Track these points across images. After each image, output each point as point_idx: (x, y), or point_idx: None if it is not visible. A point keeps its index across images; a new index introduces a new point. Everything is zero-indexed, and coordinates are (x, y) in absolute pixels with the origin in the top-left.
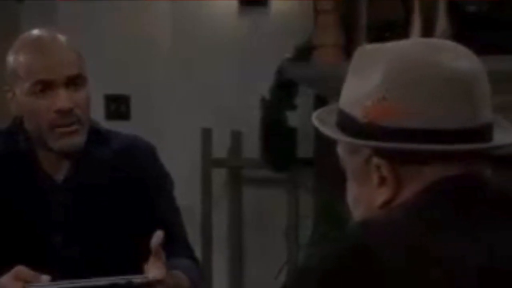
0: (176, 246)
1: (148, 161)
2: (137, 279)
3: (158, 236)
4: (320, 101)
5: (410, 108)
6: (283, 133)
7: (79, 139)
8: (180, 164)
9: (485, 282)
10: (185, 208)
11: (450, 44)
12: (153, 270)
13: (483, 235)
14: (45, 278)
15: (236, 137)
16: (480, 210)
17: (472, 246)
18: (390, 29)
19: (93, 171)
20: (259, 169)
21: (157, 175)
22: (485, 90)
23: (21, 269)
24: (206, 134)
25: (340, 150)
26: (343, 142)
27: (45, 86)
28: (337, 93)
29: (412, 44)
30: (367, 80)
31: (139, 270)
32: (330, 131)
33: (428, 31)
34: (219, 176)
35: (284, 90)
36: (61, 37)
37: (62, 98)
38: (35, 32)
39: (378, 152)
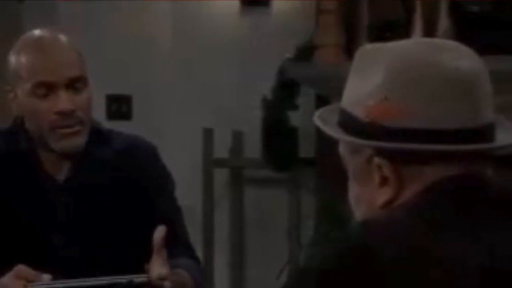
0: (177, 246)
1: (149, 161)
2: (138, 278)
3: (160, 231)
4: (322, 101)
5: (411, 108)
6: (284, 133)
7: (80, 140)
8: (181, 164)
9: (485, 282)
10: (186, 208)
11: (452, 44)
12: (156, 268)
13: (484, 235)
14: (46, 277)
15: (238, 137)
16: (481, 210)
17: (473, 246)
18: (391, 29)
19: (94, 171)
20: (261, 169)
21: (158, 175)
22: (487, 90)
23: (22, 268)
24: (208, 134)
25: (342, 149)
26: (344, 141)
27: (46, 88)
28: (338, 93)
29: (414, 44)
30: (368, 80)
31: (140, 270)
32: (332, 131)
33: (429, 31)
34: (221, 176)
35: (285, 90)
36: (63, 38)
37: (63, 100)
38: (37, 32)
39: (379, 152)
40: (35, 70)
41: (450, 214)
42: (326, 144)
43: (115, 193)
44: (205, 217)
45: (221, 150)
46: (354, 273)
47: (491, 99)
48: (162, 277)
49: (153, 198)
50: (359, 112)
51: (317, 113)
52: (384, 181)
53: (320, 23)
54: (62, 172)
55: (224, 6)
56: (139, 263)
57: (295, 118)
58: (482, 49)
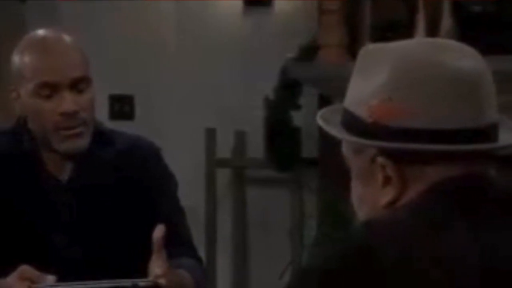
0: (180, 246)
1: (152, 162)
2: (143, 282)
3: (159, 230)
4: (324, 101)
5: (414, 108)
6: (287, 133)
7: (83, 142)
8: (184, 164)
9: (486, 282)
10: (189, 208)
11: (455, 44)
12: (155, 268)
13: (486, 235)
14: (51, 278)
15: (240, 137)
16: (484, 210)
17: (475, 246)
18: (394, 29)
19: (97, 171)
20: (263, 169)
21: (161, 175)
22: (490, 90)
23: (26, 269)
24: (210, 134)
25: (345, 149)
26: (347, 141)
27: (50, 88)
28: (341, 93)
29: (417, 44)
30: (371, 80)
31: (142, 271)
32: (335, 131)
33: (432, 31)
34: (223, 176)
35: (288, 90)
36: (67, 38)
37: (67, 101)
38: (41, 32)
39: (383, 152)
40: (39, 70)
41: (453, 214)
42: (329, 144)
43: (117, 193)
44: (208, 217)
45: (224, 150)
46: (357, 273)
47: (494, 99)
48: (158, 276)
49: (156, 198)
50: (362, 112)
51: (320, 113)
52: (387, 181)
53: (323, 23)
54: (65, 173)
55: (227, 6)
56: (142, 264)
57: (297, 118)
58: (485, 49)
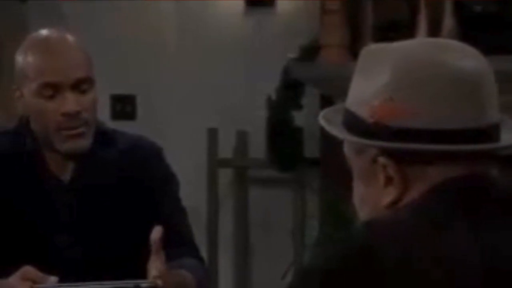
0: (182, 246)
1: (154, 162)
2: (145, 283)
3: (157, 231)
4: (326, 101)
5: (416, 108)
6: (289, 133)
7: (85, 142)
8: (186, 164)
9: (487, 282)
10: (190, 208)
11: (457, 44)
12: (152, 270)
13: (487, 235)
14: (53, 279)
15: (242, 137)
16: (485, 210)
17: (476, 247)
18: (396, 29)
19: (99, 172)
20: (265, 169)
21: (162, 175)
22: (491, 90)
23: (28, 270)
24: (212, 134)
25: (347, 150)
26: (349, 141)
27: (52, 88)
28: (343, 93)
29: (418, 44)
30: (373, 80)
31: (144, 271)
32: (337, 131)
33: (434, 31)
34: (225, 176)
35: (290, 90)
36: (70, 38)
37: (69, 101)
38: (44, 32)
39: (384, 152)
40: (42, 71)
41: (454, 215)
42: (331, 144)
43: (119, 193)
44: (210, 217)
45: (226, 150)
46: (358, 274)
47: (496, 99)
48: (155, 277)
49: (158, 198)
50: (363, 112)
51: (322, 113)
52: (388, 181)
53: (325, 23)
54: (66, 173)
55: (228, 6)
56: (143, 264)
57: (299, 118)
58: (487, 49)
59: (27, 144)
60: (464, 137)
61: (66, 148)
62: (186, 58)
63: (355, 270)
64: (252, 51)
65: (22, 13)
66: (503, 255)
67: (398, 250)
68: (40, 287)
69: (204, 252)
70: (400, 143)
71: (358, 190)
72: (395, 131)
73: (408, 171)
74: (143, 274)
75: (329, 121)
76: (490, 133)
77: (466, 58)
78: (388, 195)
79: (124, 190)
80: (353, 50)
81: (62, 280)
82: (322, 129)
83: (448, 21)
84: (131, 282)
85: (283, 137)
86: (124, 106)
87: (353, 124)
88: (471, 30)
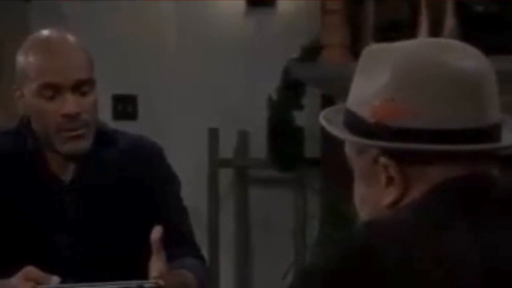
0: (183, 246)
1: (155, 162)
2: (148, 283)
3: (157, 231)
4: (327, 101)
5: (417, 108)
6: (289, 133)
7: (85, 144)
8: (187, 164)
9: (487, 282)
10: (191, 208)
11: (458, 44)
12: (153, 270)
13: (487, 235)
14: (55, 279)
15: (243, 137)
16: (486, 210)
17: (476, 247)
18: (397, 29)
19: (99, 172)
20: (266, 169)
21: (163, 175)
22: (492, 90)
23: (31, 270)
24: (213, 134)
25: (348, 150)
26: (350, 141)
27: (53, 89)
28: (344, 93)
29: (419, 44)
30: (374, 80)
31: (146, 271)
32: (338, 131)
33: (435, 31)
34: (226, 176)
35: (290, 90)
36: (72, 39)
37: (69, 103)
38: (46, 32)
39: (385, 152)
40: (42, 71)
41: (455, 215)
42: (332, 144)
43: (120, 193)
44: (210, 217)
45: (226, 150)
46: (358, 274)
47: (497, 99)
48: (155, 278)
49: (158, 198)
50: (364, 112)
51: (323, 113)
52: (390, 181)
53: (326, 23)
54: (68, 173)
55: (229, 6)
56: (145, 264)
57: (300, 118)
58: (488, 49)
59: (28, 144)
60: (464, 137)
61: (66, 150)
62: (187, 58)
63: (356, 270)
64: (253, 51)
65: (23, 13)
66: (503, 255)
67: (398, 250)
68: (42, 287)
69: (204, 252)
70: (401, 143)
71: (359, 190)
72: (396, 131)
73: (408, 171)
74: (144, 274)
75: (330, 121)
76: (490, 133)
77: (467, 58)
78: (389, 195)
79: (125, 190)
80: (354, 50)
81: (64, 280)
82: (323, 129)
83: (449, 21)
84: (134, 282)
85: (284, 137)
86: (125, 106)
87: (354, 124)
88: (472, 30)
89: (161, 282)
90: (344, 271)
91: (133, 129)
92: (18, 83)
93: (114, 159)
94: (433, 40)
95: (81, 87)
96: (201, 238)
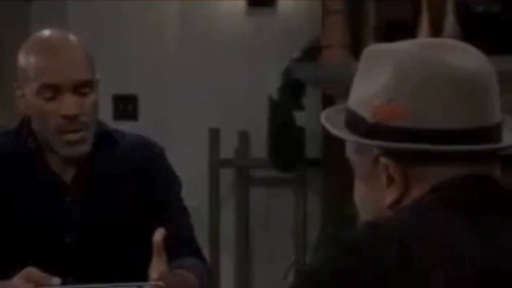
0: (184, 246)
1: (156, 162)
2: (148, 285)
3: (159, 233)
4: (328, 101)
5: (417, 108)
6: (290, 133)
7: (85, 147)
8: (187, 164)
9: (487, 282)
10: (192, 208)
11: (459, 44)
12: (153, 272)
13: (487, 235)
14: (56, 280)
15: (244, 137)
16: (486, 210)
17: (476, 247)
18: (397, 29)
19: (100, 172)
20: (267, 169)
21: (164, 175)
22: (493, 90)
23: (31, 271)
24: (214, 134)
25: (348, 150)
26: (351, 141)
27: (53, 90)
28: (344, 93)
29: (420, 44)
30: (375, 80)
31: (146, 271)
32: (339, 131)
33: (436, 31)
34: (227, 176)
35: (291, 90)
36: (73, 39)
37: (69, 104)
38: (47, 32)
39: (386, 152)
40: (42, 71)
41: (455, 215)
42: (332, 144)
43: (121, 193)
44: (211, 217)
45: (227, 150)
46: (359, 274)
47: (497, 99)
48: (154, 279)
49: (160, 198)
50: (365, 112)
51: (324, 113)
52: (390, 181)
53: (326, 24)
54: (68, 173)
55: (230, 6)
56: (146, 264)
57: (301, 118)
58: (488, 49)
59: (28, 144)
60: (465, 137)
61: (66, 153)
62: (188, 58)
63: (356, 270)
64: (254, 51)
65: (23, 13)
66: (503, 255)
67: (399, 250)
68: None
69: (205, 252)
70: (401, 143)
71: (360, 190)
72: (396, 131)
73: (409, 171)
74: (146, 275)
75: (331, 121)
76: (491, 133)
77: (468, 58)
78: (390, 195)
79: (126, 190)
80: (355, 50)
81: (63, 281)
82: (323, 129)
83: (450, 21)
84: (134, 284)
85: (285, 137)
86: (126, 106)
87: (355, 124)
88: (472, 30)
89: (161, 284)
90: (345, 271)
91: (133, 129)
92: (19, 82)
93: (114, 159)
94: (433, 40)
95: (81, 88)
96: (201, 237)
